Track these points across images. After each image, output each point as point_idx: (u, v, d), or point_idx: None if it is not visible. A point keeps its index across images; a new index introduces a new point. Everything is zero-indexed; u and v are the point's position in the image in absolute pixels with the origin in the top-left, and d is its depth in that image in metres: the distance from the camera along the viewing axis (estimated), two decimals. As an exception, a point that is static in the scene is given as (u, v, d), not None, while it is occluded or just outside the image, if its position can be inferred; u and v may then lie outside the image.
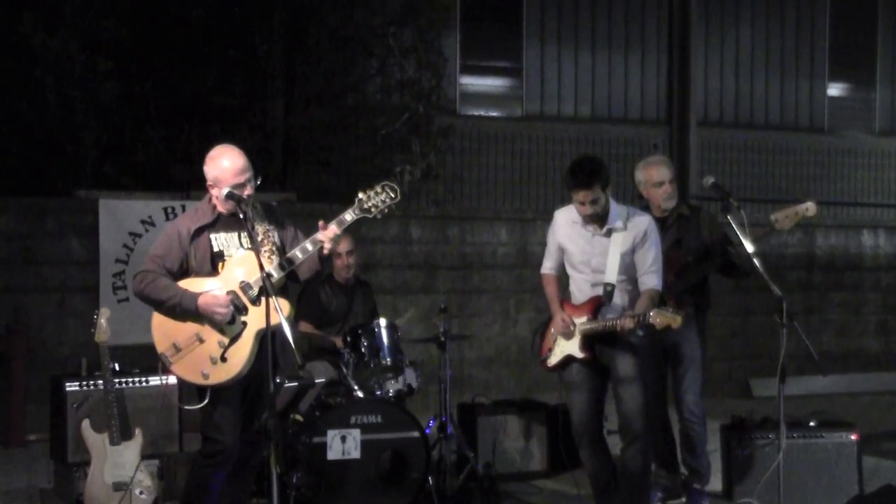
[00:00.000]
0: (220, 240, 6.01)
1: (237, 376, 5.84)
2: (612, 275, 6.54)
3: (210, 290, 5.85)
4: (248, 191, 5.90)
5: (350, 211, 5.85)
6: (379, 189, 5.87)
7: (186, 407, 5.99)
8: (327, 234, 5.80)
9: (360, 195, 5.87)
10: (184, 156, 11.76)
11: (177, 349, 5.90)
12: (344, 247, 8.41)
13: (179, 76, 12.59)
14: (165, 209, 10.85)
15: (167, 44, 12.56)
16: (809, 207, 7.23)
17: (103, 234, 10.75)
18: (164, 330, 5.97)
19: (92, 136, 11.95)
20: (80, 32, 11.96)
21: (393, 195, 5.87)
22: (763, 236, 7.24)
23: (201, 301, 5.80)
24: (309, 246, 5.84)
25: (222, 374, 5.84)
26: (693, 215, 7.59)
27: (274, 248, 5.91)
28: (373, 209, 5.84)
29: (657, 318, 6.19)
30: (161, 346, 5.97)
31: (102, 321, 7.38)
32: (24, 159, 12.03)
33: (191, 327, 5.89)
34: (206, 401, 5.90)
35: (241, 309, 5.83)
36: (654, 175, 7.52)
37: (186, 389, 6.40)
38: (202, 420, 6.01)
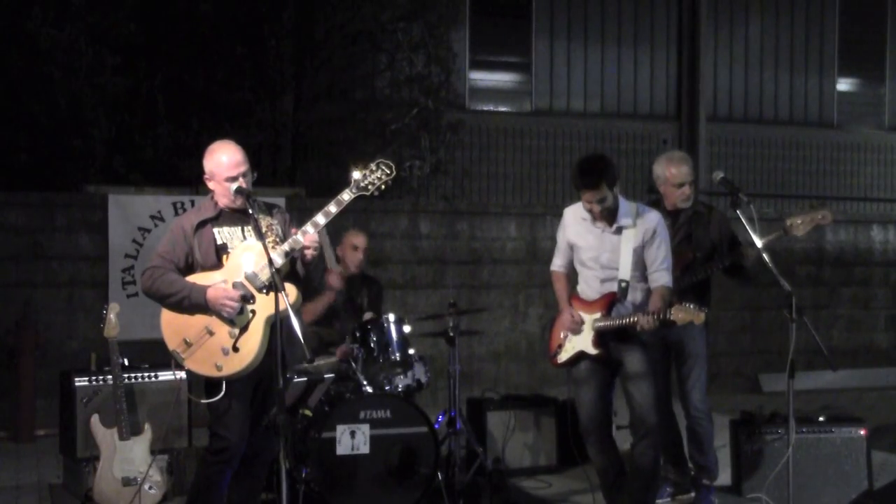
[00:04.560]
0: (224, 233, 6.04)
1: (250, 365, 5.84)
2: (625, 271, 6.54)
3: (216, 282, 5.87)
4: (241, 184, 5.94)
5: (347, 191, 5.88)
6: (374, 167, 5.92)
7: (203, 400, 5.98)
8: (310, 238, 5.83)
9: (356, 174, 5.90)
10: (193, 151, 11.73)
11: (188, 345, 5.91)
12: (361, 242, 8.49)
13: (188, 71, 12.59)
14: (174, 204, 10.87)
15: (176, 39, 12.55)
16: (825, 216, 7.22)
17: (112, 228, 10.78)
18: (173, 327, 5.97)
19: (100, 132, 11.95)
20: (88, 27, 11.95)
21: (388, 171, 5.93)
22: (775, 240, 7.21)
23: (210, 294, 5.82)
24: (309, 228, 5.84)
25: (235, 364, 5.84)
26: (706, 213, 7.58)
27: (277, 241, 5.92)
28: (369, 187, 5.89)
29: (679, 313, 6.19)
30: (172, 344, 5.96)
31: (112, 316, 7.39)
32: (32, 154, 12.03)
33: (200, 321, 5.90)
34: (221, 393, 5.89)
35: (248, 298, 5.85)
36: (675, 175, 7.48)
37: (196, 383, 6.41)
38: (211, 416, 6.01)
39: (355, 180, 5.88)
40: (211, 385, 5.95)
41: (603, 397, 6.77)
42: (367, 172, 5.90)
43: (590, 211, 6.59)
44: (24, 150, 12.01)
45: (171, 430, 7.84)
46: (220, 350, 5.86)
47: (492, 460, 8.14)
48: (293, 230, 5.93)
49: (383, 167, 5.92)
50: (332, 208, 5.85)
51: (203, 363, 5.91)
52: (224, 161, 5.95)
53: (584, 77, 16.72)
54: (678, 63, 17.22)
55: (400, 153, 13.56)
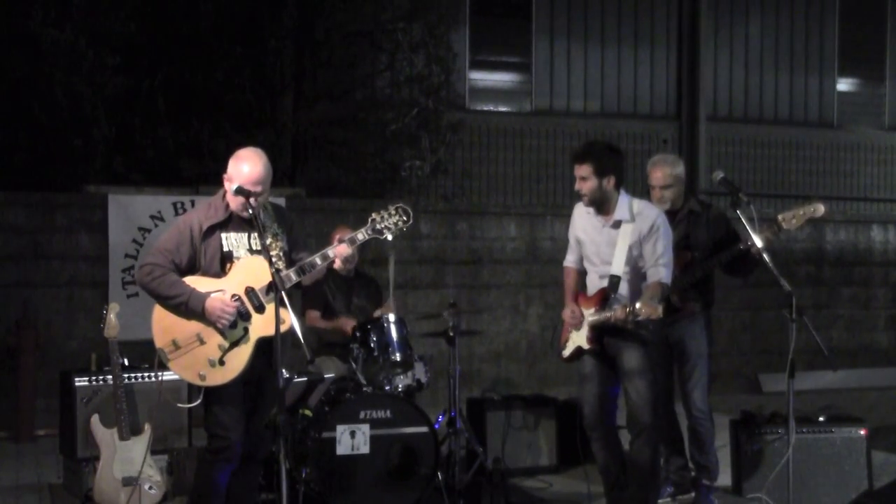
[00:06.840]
0: (231, 240, 5.99)
1: (233, 380, 5.87)
2: (618, 266, 6.57)
3: (216, 292, 5.85)
4: (252, 201, 5.81)
5: (362, 231, 5.96)
6: (392, 211, 5.99)
7: (179, 404, 6.01)
8: (340, 251, 5.93)
9: (374, 216, 5.99)
10: (193, 151, 11.74)
11: (176, 346, 5.89)
12: None
13: (188, 71, 12.59)
14: (174, 204, 10.86)
15: (176, 39, 12.56)
16: (817, 208, 7.20)
17: (112, 228, 10.77)
18: (164, 325, 5.94)
19: (101, 131, 11.95)
20: (89, 27, 11.95)
21: (406, 218, 6.00)
22: (773, 236, 7.20)
23: (209, 303, 5.79)
24: (318, 260, 5.90)
25: (218, 377, 5.86)
26: (703, 212, 7.58)
27: (281, 255, 5.90)
28: (385, 230, 5.96)
29: (642, 308, 6.19)
30: (160, 342, 5.94)
31: (112, 316, 7.39)
32: (33, 154, 12.04)
33: (193, 326, 5.87)
34: (199, 400, 5.94)
35: (244, 315, 5.85)
36: (652, 177, 7.58)
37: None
38: (205, 417, 6.02)
39: (372, 221, 5.98)
40: (196, 387, 6.00)
41: (606, 393, 6.78)
42: (386, 215, 5.99)
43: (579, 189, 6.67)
44: (24, 150, 12.01)
45: (170, 430, 7.84)
46: (206, 360, 5.86)
47: (492, 460, 8.14)
48: (336, 239, 6.03)
49: (401, 212, 5.99)
50: (346, 247, 5.96)
51: (187, 369, 5.91)
52: (244, 172, 5.87)
53: (583, 77, 16.73)
54: (678, 63, 17.23)
55: (400, 153, 13.57)
